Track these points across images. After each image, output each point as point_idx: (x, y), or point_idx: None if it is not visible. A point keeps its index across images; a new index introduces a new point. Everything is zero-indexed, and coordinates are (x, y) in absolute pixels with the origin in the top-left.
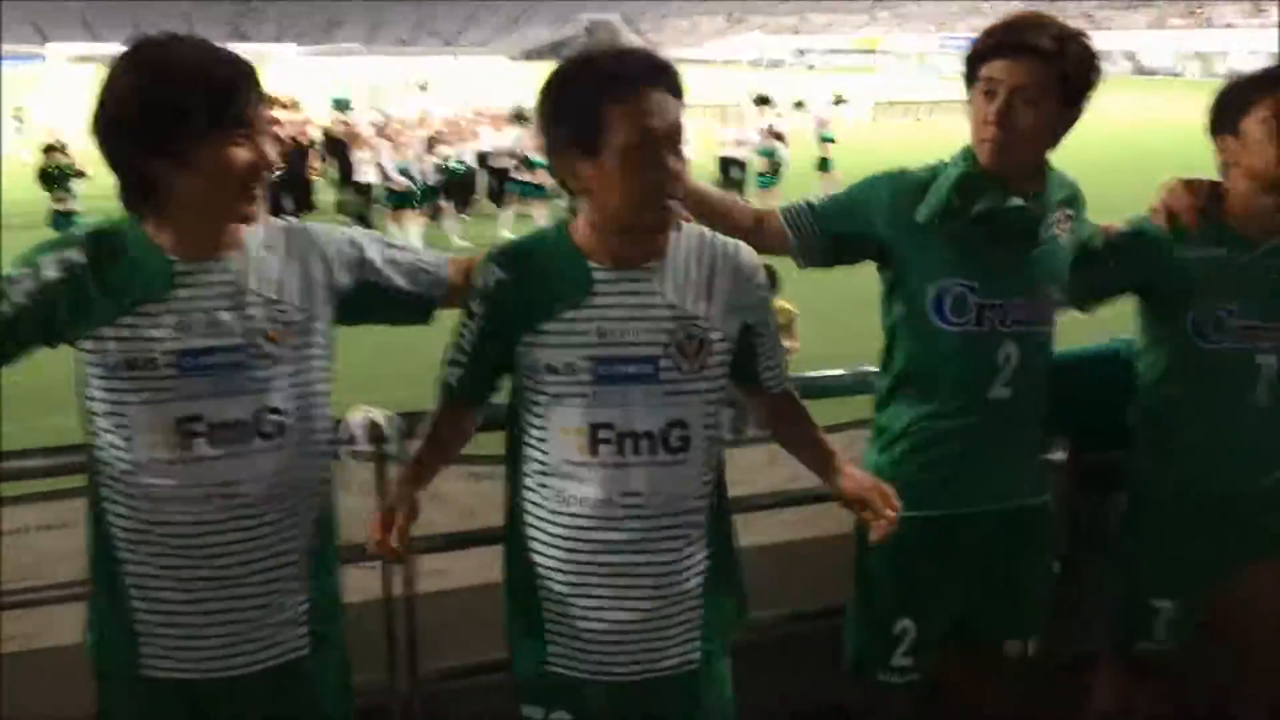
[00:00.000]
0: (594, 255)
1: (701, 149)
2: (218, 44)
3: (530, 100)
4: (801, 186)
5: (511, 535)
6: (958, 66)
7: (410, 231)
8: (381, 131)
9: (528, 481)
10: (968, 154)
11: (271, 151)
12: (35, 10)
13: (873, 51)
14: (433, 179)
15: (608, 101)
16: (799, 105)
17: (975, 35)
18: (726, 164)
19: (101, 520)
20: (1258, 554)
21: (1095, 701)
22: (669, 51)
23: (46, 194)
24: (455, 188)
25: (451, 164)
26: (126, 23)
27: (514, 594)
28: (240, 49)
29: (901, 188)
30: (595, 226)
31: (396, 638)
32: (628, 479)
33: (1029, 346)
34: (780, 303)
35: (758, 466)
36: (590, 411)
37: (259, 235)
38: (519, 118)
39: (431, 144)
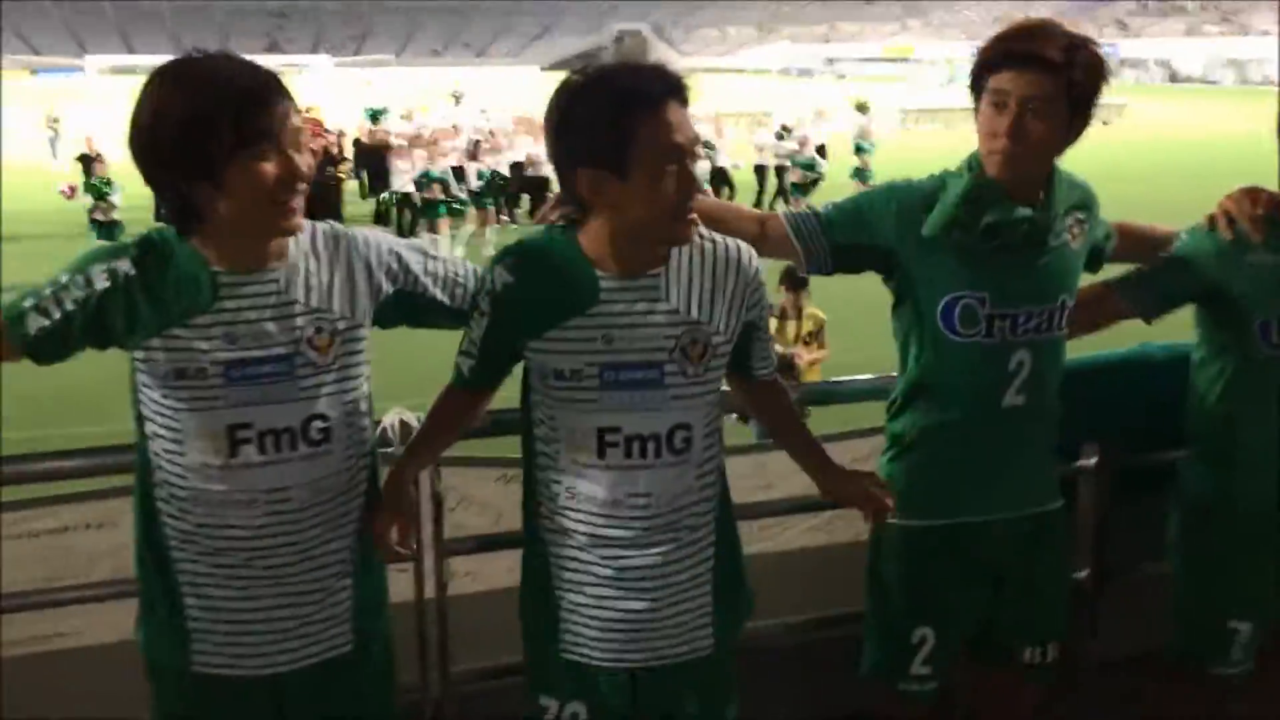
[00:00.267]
0: (602, 264)
1: (739, 154)
2: (252, 56)
3: None
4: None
5: (527, 529)
6: None
7: (442, 241)
8: (416, 141)
9: (540, 476)
10: (973, 164)
11: (303, 162)
12: (75, 22)
13: (905, 60)
14: (475, 186)
15: (632, 118)
16: (819, 114)
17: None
18: (761, 171)
19: (152, 520)
20: None
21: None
22: (699, 60)
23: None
24: (496, 196)
25: (491, 171)
26: (162, 34)
27: (529, 585)
28: (275, 60)
29: (907, 199)
30: (609, 236)
31: (428, 639)
32: (635, 480)
33: (1041, 353)
34: (811, 309)
35: (785, 473)
36: (597, 416)
37: (303, 242)
38: None
39: (474, 153)
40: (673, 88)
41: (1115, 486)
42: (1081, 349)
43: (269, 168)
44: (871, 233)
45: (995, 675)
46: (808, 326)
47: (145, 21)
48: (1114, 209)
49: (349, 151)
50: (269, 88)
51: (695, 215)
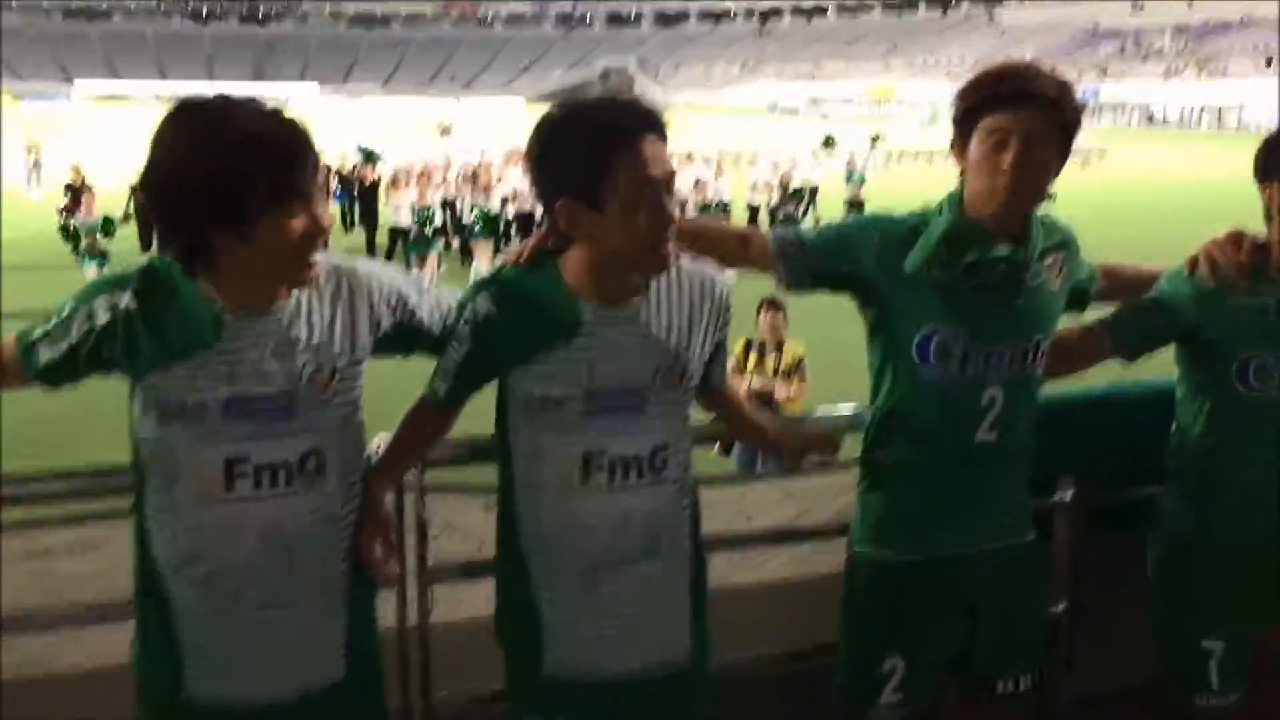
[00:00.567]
0: (583, 293)
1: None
2: (237, 83)
3: None
4: None
5: (502, 550)
6: None
7: (427, 275)
8: (409, 176)
9: (519, 497)
10: (953, 203)
11: (326, 216)
12: (61, 49)
13: (887, 101)
14: (469, 221)
15: (609, 152)
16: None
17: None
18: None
19: (147, 546)
20: None
21: None
22: (683, 96)
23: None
24: (490, 230)
25: (485, 206)
26: (150, 62)
27: (507, 607)
28: (261, 88)
29: (891, 232)
30: (588, 266)
31: (411, 665)
32: (618, 502)
33: (1015, 391)
34: (790, 343)
35: (765, 505)
36: (581, 441)
37: None
38: None
39: (473, 184)
40: (650, 122)
41: (1091, 521)
42: (1058, 385)
43: (298, 224)
44: (852, 262)
45: (969, 706)
46: (787, 360)
47: (131, 48)
48: (1099, 251)
49: (333, 184)
50: (302, 143)
51: (671, 246)
